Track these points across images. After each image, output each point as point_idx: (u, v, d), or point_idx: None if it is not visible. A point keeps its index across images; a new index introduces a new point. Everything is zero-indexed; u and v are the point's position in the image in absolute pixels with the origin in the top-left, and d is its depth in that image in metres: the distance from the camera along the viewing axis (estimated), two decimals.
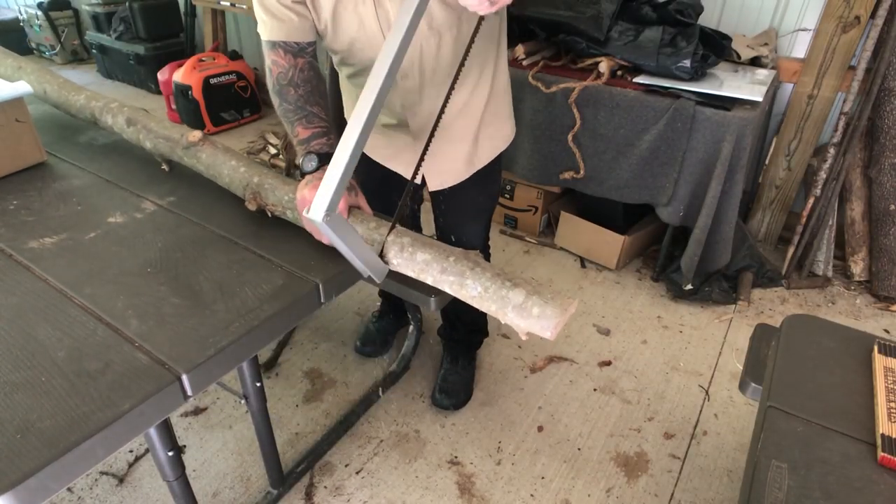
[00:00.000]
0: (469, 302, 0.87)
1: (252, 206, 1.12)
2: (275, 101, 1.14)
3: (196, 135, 1.21)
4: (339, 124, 1.18)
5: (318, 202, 0.82)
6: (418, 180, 1.36)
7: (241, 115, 3.81)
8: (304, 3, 1.07)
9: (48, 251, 1.04)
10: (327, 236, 0.87)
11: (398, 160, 1.37)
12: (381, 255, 0.95)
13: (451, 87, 1.01)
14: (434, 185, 1.38)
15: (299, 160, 1.06)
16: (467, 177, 1.37)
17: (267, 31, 1.10)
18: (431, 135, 1.02)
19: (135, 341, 0.84)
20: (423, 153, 1.03)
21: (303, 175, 1.03)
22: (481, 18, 0.98)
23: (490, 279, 0.84)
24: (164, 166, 1.35)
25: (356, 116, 0.82)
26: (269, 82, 1.14)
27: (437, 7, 1.05)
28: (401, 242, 0.93)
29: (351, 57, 1.17)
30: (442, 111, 1.01)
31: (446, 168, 1.34)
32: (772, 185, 2.39)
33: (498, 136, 1.38)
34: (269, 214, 1.13)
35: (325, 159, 1.03)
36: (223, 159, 1.18)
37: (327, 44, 1.14)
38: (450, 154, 1.32)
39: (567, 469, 1.55)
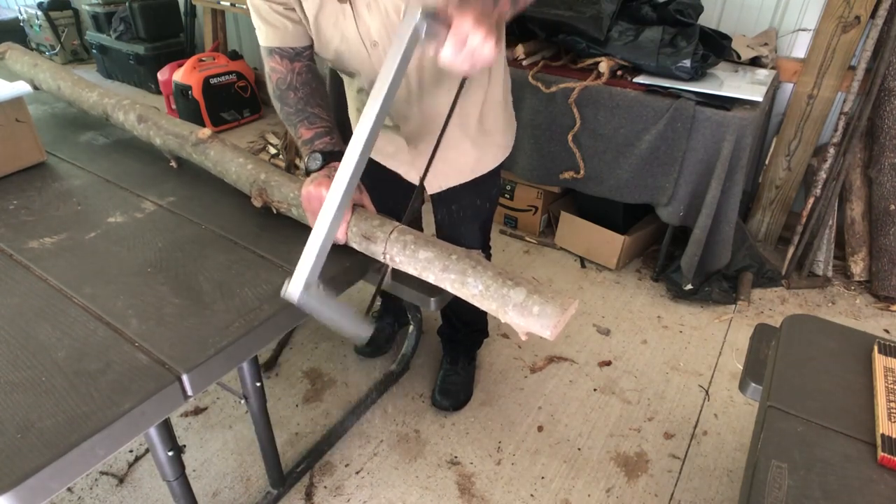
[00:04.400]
0: (470, 300, 0.88)
1: (258, 203, 1.13)
2: (276, 105, 1.14)
3: (205, 132, 1.23)
4: (340, 124, 1.18)
5: (294, 280, 0.83)
6: (416, 181, 1.36)
7: (241, 115, 3.81)
8: (295, 10, 1.07)
9: (48, 251, 1.04)
10: (308, 312, 0.89)
11: (396, 160, 1.37)
12: (384, 254, 0.95)
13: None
14: (432, 188, 1.38)
15: (305, 159, 1.07)
16: (465, 181, 1.37)
17: (263, 37, 1.10)
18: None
19: (135, 341, 0.84)
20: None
21: (308, 173, 1.04)
22: None
23: (491, 278, 0.85)
24: (173, 163, 1.36)
25: (332, 195, 0.84)
26: (270, 88, 1.14)
27: None
28: (403, 240, 0.93)
29: (341, 66, 1.18)
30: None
31: (440, 171, 1.34)
32: (772, 185, 2.39)
33: (494, 145, 1.37)
34: (275, 211, 1.14)
35: (328, 157, 1.05)
36: (231, 156, 1.19)
37: (317, 51, 1.15)
38: (441, 157, 1.32)
39: (567, 469, 1.55)
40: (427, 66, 1.15)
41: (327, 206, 0.85)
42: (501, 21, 0.85)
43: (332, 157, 1.05)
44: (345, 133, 1.17)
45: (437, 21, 0.80)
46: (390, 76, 0.81)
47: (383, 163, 1.40)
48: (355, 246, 1.01)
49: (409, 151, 1.32)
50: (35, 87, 1.66)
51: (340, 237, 1.00)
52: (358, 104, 1.35)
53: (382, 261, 0.97)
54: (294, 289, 0.83)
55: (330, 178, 0.98)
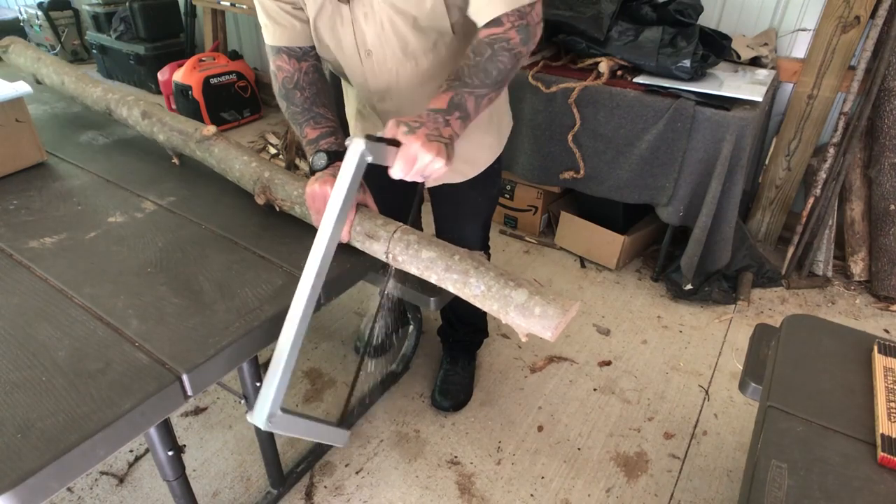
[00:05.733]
0: (471, 301, 0.88)
1: (261, 201, 1.14)
2: (282, 104, 1.14)
3: (210, 129, 1.23)
4: (342, 123, 1.19)
5: (259, 406, 0.87)
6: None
7: (241, 115, 3.81)
8: (303, 9, 1.07)
9: (48, 251, 1.04)
10: (278, 433, 0.93)
11: None
12: (386, 253, 0.95)
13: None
14: (430, 182, 1.38)
15: (309, 159, 1.07)
16: (465, 179, 1.37)
17: (270, 36, 1.10)
18: None
19: (135, 341, 0.84)
20: None
21: (313, 172, 1.05)
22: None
23: (493, 278, 0.85)
24: (175, 160, 1.36)
25: (292, 313, 0.87)
26: (275, 86, 1.14)
27: (409, 33, 1.05)
28: (406, 240, 0.94)
29: (338, 69, 1.19)
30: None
31: None
32: (772, 185, 2.39)
33: (482, 147, 1.35)
34: (278, 209, 1.14)
35: (333, 157, 1.05)
36: (235, 154, 1.19)
37: (319, 52, 1.15)
38: None
39: (567, 469, 1.55)
40: (412, 82, 1.14)
41: (288, 326, 0.87)
42: (453, 140, 0.91)
43: (337, 156, 1.05)
44: (345, 133, 1.17)
45: (383, 144, 0.86)
46: (339, 203, 0.87)
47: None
48: (358, 245, 1.01)
49: None
50: (38, 82, 1.65)
51: (343, 236, 1.00)
52: (358, 105, 1.35)
53: (385, 260, 0.97)
54: (259, 415, 0.87)
55: (335, 177, 0.98)
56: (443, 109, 0.91)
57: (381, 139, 0.87)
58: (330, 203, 0.88)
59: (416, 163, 0.86)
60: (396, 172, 0.87)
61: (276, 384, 0.86)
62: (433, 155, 0.85)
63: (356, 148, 0.85)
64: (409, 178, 0.88)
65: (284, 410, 0.90)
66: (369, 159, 0.86)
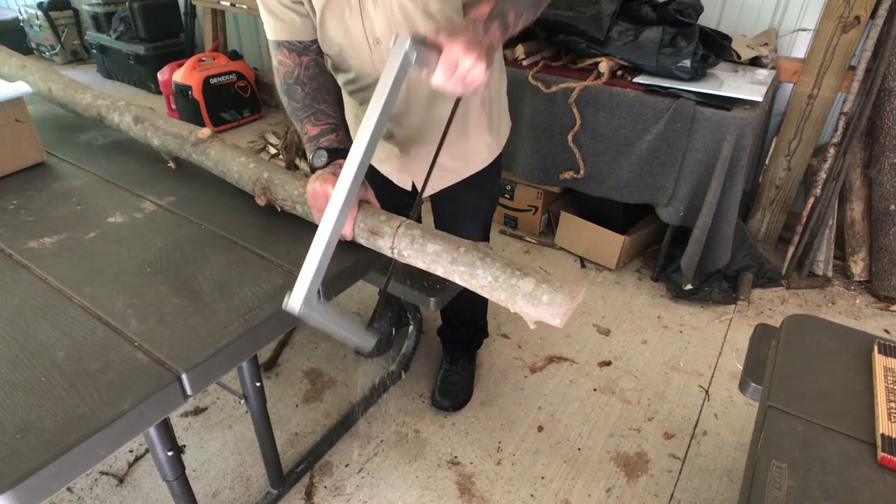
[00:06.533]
0: (479, 292, 0.88)
1: (262, 202, 1.14)
2: (283, 99, 1.14)
3: (205, 132, 1.22)
4: (343, 120, 1.18)
5: (295, 293, 0.85)
6: (408, 186, 1.36)
7: (241, 115, 3.81)
8: (303, 3, 1.07)
9: (48, 251, 1.04)
10: (310, 323, 0.90)
11: (388, 164, 1.37)
12: (392, 248, 0.95)
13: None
14: (427, 191, 1.38)
15: (310, 156, 1.07)
16: (461, 179, 1.37)
17: (271, 30, 1.11)
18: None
19: (135, 341, 0.84)
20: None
21: (313, 170, 1.04)
22: None
23: (500, 268, 0.85)
24: (171, 163, 1.35)
25: (332, 205, 0.86)
26: (277, 82, 1.15)
27: (420, 20, 1.06)
28: (411, 234, 0.94)
29: (341, 63, 1.18)
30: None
31: (435, 173, 1.34)
32: (772, 185, 2.39)
33: (489, 139, 1.36)
34: (279, 209, 1.14)
35: (333, 154, 1.05)
36: (232, 156, 1.18)
37: (320, 45, 1.15)
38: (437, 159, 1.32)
39: (567, 469, 1.55)
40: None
41: (327, 218, 0.85)
42: (492, 48, 0.89)
43: (338, 154, 1.05)
44: (346, 130, 1.17)
45: (426, 47, 0.82)
46: (381, 103, 0.83)
47: (375, 165, 1.39)
48: (362, 242, 1.01)
49: (400, 157, 1.32)
50: None
51: (346, 233, 1.00)
52: (355, 109, 1.34)
53: (390, 255, 0.97)
54: (294, 301, 0.84)
55: (335, 175, 0.98)
56: (483, 18, 0.89)
57: (423, 41, 0.82)
58: (371, 103, 0.84)
59: (458, 67, 0.82)
60: (438, 77, 0.83)
61: (314, 270, 0.84)
62: (474, 59, 0.82)
63: (401, 45, 0.80)
64: (449, 87, 0.84)
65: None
66: (413, 58, 0.82)
